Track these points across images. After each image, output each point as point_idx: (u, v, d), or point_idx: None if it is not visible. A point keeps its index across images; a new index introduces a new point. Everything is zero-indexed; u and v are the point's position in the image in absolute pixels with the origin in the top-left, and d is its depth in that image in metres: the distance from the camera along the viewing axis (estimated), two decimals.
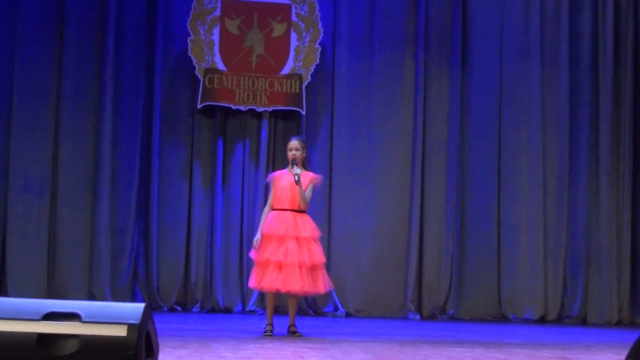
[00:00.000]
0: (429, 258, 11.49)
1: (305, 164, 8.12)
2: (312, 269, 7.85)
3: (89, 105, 11.15)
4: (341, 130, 11.54)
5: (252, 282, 7.94)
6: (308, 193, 7.94)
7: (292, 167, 7.93)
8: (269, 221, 7.90)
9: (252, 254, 7.98)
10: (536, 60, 11.76)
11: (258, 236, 7.90)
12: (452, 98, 11.67)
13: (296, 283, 7.75)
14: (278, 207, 7.93)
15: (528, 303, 11.50)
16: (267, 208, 8.06)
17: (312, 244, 7.90)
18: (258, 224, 8.10)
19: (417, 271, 11.42)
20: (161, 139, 11.27)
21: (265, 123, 11.36)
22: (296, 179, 7.85)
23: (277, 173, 8.20)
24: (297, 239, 7.83)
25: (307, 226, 7.94)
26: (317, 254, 7.90)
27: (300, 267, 7.77)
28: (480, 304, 11.54)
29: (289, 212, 7.90)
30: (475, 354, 6.68)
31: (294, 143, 8.02)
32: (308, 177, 8.00)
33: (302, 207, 7.93)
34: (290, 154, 7.98)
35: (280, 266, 7.76)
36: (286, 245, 7.77)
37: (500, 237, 11.63)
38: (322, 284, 7.92)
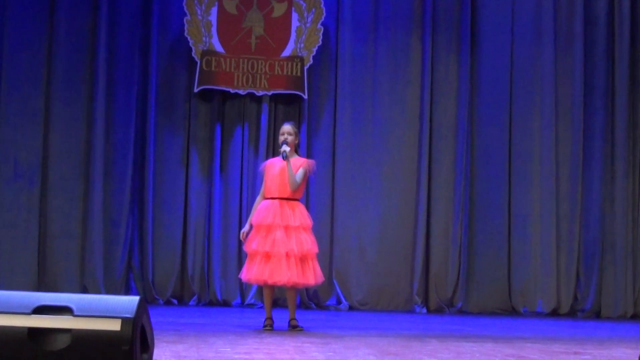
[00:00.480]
0: (436, 249, 11.50)
1: (298, 151, 8.14)
2: (302, 259, 7.85)
3: (81, 89, 11.15)
4: (345, 115, 11.53)
5: (242, 274, 8.01)
6: (299, 175, 7.93)
7: (281, 146, 7.94)
8: (258, 211, 7.94)
9: (245, 246, 8.03)
10: (549, 42, 11.74)
11: (246, 227, 7.99)
12: (460, 82, 11.66)
13: (283, 274, 7.76)
14: (269, 196, 7.97)
15: (540, 296, 11.51)
16: (259, 198, 8.12)
17: (302, 233, 7.89)
18: None
19: (424, 263, 11.43)
20: (156, 124, 11.28)
21: (265, 107, 11.36)
22: (283, 155, 7.85)
23: (269, 161, 8.24)
24: (285, 228, 7.84)
25: (297, 215, 7.93)
26: (308, 244, 7.90)
27: (287, 257, 7.78)
28: (489, 297, 11.55)
29: (277, 201, 7.91)
30: (484, 348, 6.70)
31: (286, 127, 8.05)
32: (300, 162, 8.01)
33: (292, 189, 7.90)
34: (281, 138, 8.01)
35: (268, 257, 7.79)
36: (274, 234, 7.80)
37: (510, 227, 11.63)
38: (312, 275, 7.91)
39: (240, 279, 8.41)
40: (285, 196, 7.93)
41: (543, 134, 11.68)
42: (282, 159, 7.90)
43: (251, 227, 7.97)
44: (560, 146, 11.72)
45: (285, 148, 7.91)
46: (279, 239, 7.80)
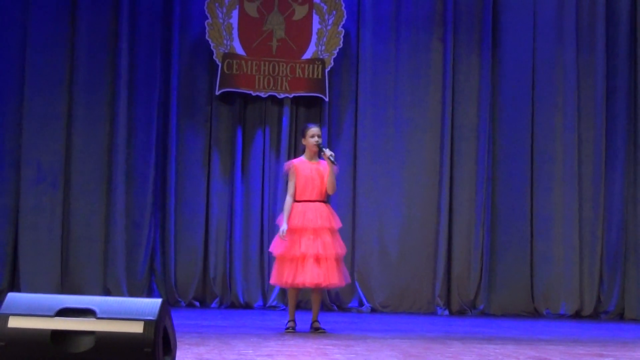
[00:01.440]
0: (458, 251, 11.48)
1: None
2: (338, 260, 7.93)
3: (103, 93, 11.20)
4: (366, 117, 11.53)
5: (284, 278, 7.87)
6: (331, 178, 7.96)
7: (322, 150, 7.92)
8: (301, 213, 7.89)
9: (274, 249, 7.96)
10: (571, 43, 11.70)
11: (285, 227, 7.87)
12: (482, 83, 11.64)
13: (335, 276, 7.83)
14: (303, 199, 7.94)
15: (563, 298, 11.47)
16: (289, 198, 8.01)
17: (338, 235, 8.00)
18: (279, 216, 8.10)
19: (446, 264, 11.42)
20: (178, 127, 11.31)
21: (286, 110, 11.38)
22: (332, 159, 7.85)
23: (297, 161, 8.18)
24: (330, 230, 7.89)
25: (336, 217, 8.03)
26: (343, 246, 8.04)
27: (336, 260, 7.87)
28: (512, 299, 11.52)
29: (318, 203, 7.93)
30: (507, 350, 6.69)
31: (315, 130, 8.03)
32: (324, 166, 8.03)
33: (331, 192, 7.99)
34: (312, 140, 7.98)
35: (318, 259, 7.80)
36: (323, 237, 7.82)
37: (533, 228, 11.60)
38: (341, 277, 8.00)
39: (266, 281, 8.38)
40: (322, 199, 7.98)
41: (565, 134, 11.64)
42: (331, 163, 7.87)
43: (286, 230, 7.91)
44: (583, 147, 11.67)
45: (332, 153, 7.91)
46: (328, 241, 7.84)
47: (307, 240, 7.81)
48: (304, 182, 7.96)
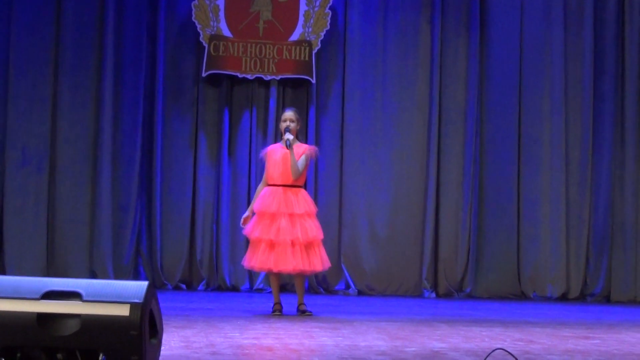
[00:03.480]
0: (445, 233, 11.50)
1: (300, 137, 8.20)
2: (308, 246, 7.92)
3: (89, 75, 11.16)
4: (353, 99, 11.53)
5: (244, 261, 8.08)
6: (301, 163, 7.99)
7: (284, 134, 8.00)
8: (261, 197, 8.00)
9: (246, 231, 8.09)
10: (559, 24, 11.70)
11: (246, 213, 8.07)
12: (470, 64, 11.63)
13: (288, 262, 7.82)
14: (271, 183, 8.03)
15: (549, 280, 11.51)
16: (261, 184, 8.22)
17: (306, 220, 7.95)
18: None
19: (433, 247, 11.44)
20: (164, 109, 11.29)
21: (273, 92, 11.37)
22: (287, 144, 7.91)
23: (270, 148, 8.30)
24: (290, 215, 7.89)
25: (302, 202, 7.99)
26: (313, 231, 7.97)
27: (293, 245, 7.83)
28: (499, 282, 11.55)
29: (281, 188, 7.97)
30: (493, 333, 6.73)
31: (288, 114, 8.11)
32: (302, 149, 8.05)
33: (294, 177, 7.96)
34: (283, 125, 8.06)
35: (272, 245, 7.83)
36: (278, 223, 7.84)
37: (520, 211, 11.62)
38: (319, 262, 7.99)
39: (246, 267, 8.43)
40: (288, 183, 7.98)
41: (553, 117, 11.66)
42: (285, 147, 7.94)
43: (253, 213, 8.03)
44: (570, 129, 11.69)
45: (289, 136, 7.95)
46: (283, 227, 7.85)
47: (262, 225, 7.88)
48: (271, 167, 8.07)
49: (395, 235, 11.48)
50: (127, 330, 3.86)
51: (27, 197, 10.97)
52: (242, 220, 8.17)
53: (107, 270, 10.93)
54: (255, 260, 7.89)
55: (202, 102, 11.39)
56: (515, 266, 11.57)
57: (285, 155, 7.99)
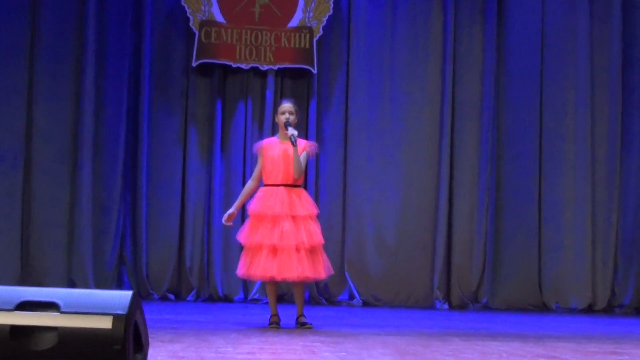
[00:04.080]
0: (459, 239, 11.50)
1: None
2: (312, 251, 7.87)
3: (68, 64, 11.16)
4: (358, 91, 11.53)
5: (240, 269, 7.97)
6: (303, 161, 7.97)
7: (287, 129, 7.94)
8: (260, 199, 7.93)
9: (240, 237, 8.03)
10: (584, 9, 11.70)
11: (232, 210, 7.99)
12: (486, 54, 11.63)
13: (293, 269, 7.77)
14: (269, 183, 7.97)
15: (573, 290, 11.51)
16: (251, 182, 8.13)
17: (310, 223, 7.91)
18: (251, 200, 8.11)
19: (446, 254, 11.44)
20: (151, 102, 11.30)
21: (270, 82, 11.36)
22: (292, 140, 7.86)
23: (266, 141, 8.24)
24: (293, 218, 7.85)
25: (304, 203, 7.95)
26: (316, 235, 7.92)
27: (297, 250, 7.79)
28: (518, 292, 11.56)
29: (282, 188, 7.91)
30: (512, 348, 6.71)
31: (287, 106, 8.06)
32: (301, 146, 8.01)
33: (296, 176, 7.93)
34: (282, 118, 8.01)
35: (275, 250, 7.79)
36: (281, 226, 7.79)
37: (541, 214, 11.62)
38: (322, 268, 7.96)
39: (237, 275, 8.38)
40: (290, 182, 7.94)
41: (577, 111, 11.65)
42: (291, 144, 7.89)
43: (247, 215, 7.98)
44: (597, 125, 11.69)
45: (294, 132, 7.91)
46: (287, 230, 7.80)
47: (264, 229, 7.82)
48: (270, 164, 7.99)
49: (404, 240, 11.48)
50: (110, 344, 3.85)
51: None
52: (226, 216, 8.08)
53: (88, 278, 10.93)
54: (255, 267, 7.83)
55: (192, 94, 11.40)
56: (536, 275, 11.58)
57: (286, 152, 7.95)
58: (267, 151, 8.04)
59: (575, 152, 11.63)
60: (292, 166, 7.91)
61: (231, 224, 8.14)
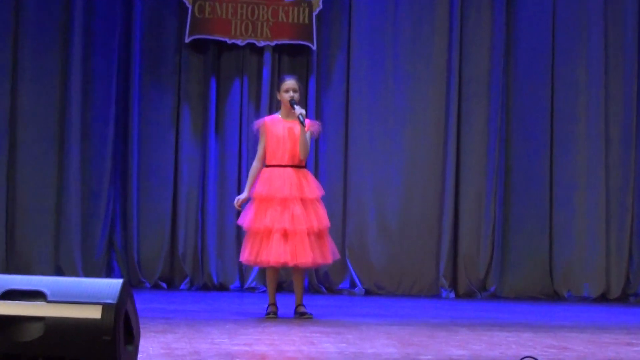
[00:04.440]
0: (466, 224, 11.50)
1: None
2: (319, 235, 7.89)
3: (54, 40, 11.13)
4: (360, 69, 11.51)
5: (247, 255, 7.95)
6: (308, 141, 7.97)
7: (293, 108, 7.92)
8: (266, 180, 7.91)
9: (241, 220, 8.02)
10: None
11: (244, 195, 7.97)
12: (495, 29, 11.60)
13: (307, 254, 7.78)
14: (274, 163, 7.94)
15: (586, 278, 11.52)
16: (256, 162, 8.11)
17: (318, 206, 7.94)
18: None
19: (452, 240, 11.44)
20: (142, 80, 11.28)
21: (267, 59, 11.34)
22: (301, 119, 7.85)
23: (268, 119, 8.22)
24: (302, 201, 7.85)
25: (311, 185, 7.98)
26: (324, 218, 7.97)
27: (309, 234, 7.81)
28: (528, 279, 11.56)
29: (290, 169, 7.90)
30: (522, 339, 6.74)
31: (290, 83, 8.04)
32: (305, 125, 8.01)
33: (303, 157, 7.94)
34: (286, 96, 8.00)
35: (286, 235, 7.79)
36: (291, 209, 7.79)
37: (552, 198, 11.62)
38: (329, 253, 7.99)
39: (241, 262, 8.37)
40: (296, 163, 7.93)
41: (590, 89, 11.63)
42: (298, 123, 7.88)
43: (249, 198, 7.99)
44: (611, 103, 11.67)
45: (302, 111, 7.89)
46: (298, 214, 7.80)
47: (273, 212, 7.81)
48: (274, 143, 7.97)
49: (408, 226, 11.49)
50: (99, 335, 3.86)
51: None
52: (237, 201, 8.07)
53: (76, 265, 10.94)
54: (266, 253, 7.79)
55: (185, 72, 11.38)
56: (547, 262, 11.58)
57: (291, 130, 7.94)
58: (270, 129, 8.01)
59: (588, 132, 11.61)
60: (298, 146, 7.90)
61: (241, 208, 8.12)
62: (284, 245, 7.79)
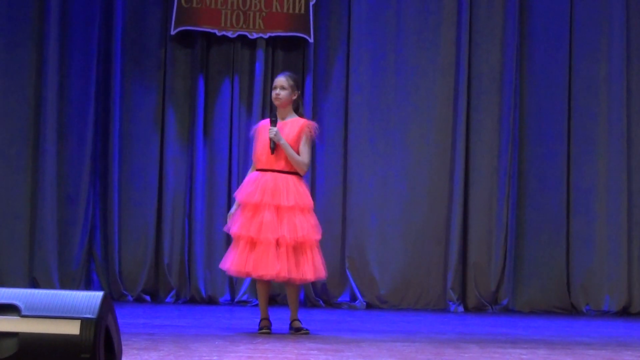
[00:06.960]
0: (476, 232, 11.52)
1: (300, 110, 8.10)
2: (297, 248, 7.82)
3: (29, 33, 11.15)
4: (360, 64, 11.53)
5: (222, 262, 8.05)
6: (304, 153, 7.91)
7: (272, 117, 7.91)
8: (244, 185, 7.95)
9: (227, 226, 8.05)
10: None
11: (233, 208, 8.01)
12: (507, 20, 11.63)
13: (271, 266, 7.73)
14: (259, 167, 7.95)
15: (606, 290, 11.53)
16: (251, 168, 8.13)
17: (297, 215, 7.84)
18: None
19: (461, 249, 11.46)
20: (123, 75, 11.30)
21: (260, 54, 11.37)
22: (271, 145, 7.82)
23: (261, 124, 8.22)
24: (277, 208, 7.81)
25: (292, 192, 7.87)
26: (305, 229, 7.83)
27: (279, 245, 7.76)
28: (543, 292, 11.58)
29: (269, 174, 7.87)
30: (537, 356, 6.74)
31: (279, 79, 7.99)
32: (298, 125, 7.97)
33: (298, 170, 7.89)
34: (273, 94, 7.99)
35: (253, 243, 7.78)
36: (261, 216, 7.77)
37: (570, 204, 11.64)
38: (310, 269, 7.86)
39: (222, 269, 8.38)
40: (280, 168, 7.90)
41: (611, 85, 11.65)
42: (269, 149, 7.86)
43: (239, 205, 8.00)
44: (633, 100, 11.70)
45: (272, 132, 7.79)
46: (267, 222, 7.77)
47: (244, 218, 7.82)
48: (260, 147, 7.97)
49: (413, 234, 11.50)
50: (77, 352, 3.86)
51: None
52: (229, 215, 8.09)
53: (52, 277, 10.95)
54: (231, 261, 7.86)
55: (171, 67, 11.41)
56: (564, 273, 11.60)
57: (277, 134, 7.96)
58: (259, 133, 8.03)
59: (609, 133, 11.63)
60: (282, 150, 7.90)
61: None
62: (247, 255, 7.78)
